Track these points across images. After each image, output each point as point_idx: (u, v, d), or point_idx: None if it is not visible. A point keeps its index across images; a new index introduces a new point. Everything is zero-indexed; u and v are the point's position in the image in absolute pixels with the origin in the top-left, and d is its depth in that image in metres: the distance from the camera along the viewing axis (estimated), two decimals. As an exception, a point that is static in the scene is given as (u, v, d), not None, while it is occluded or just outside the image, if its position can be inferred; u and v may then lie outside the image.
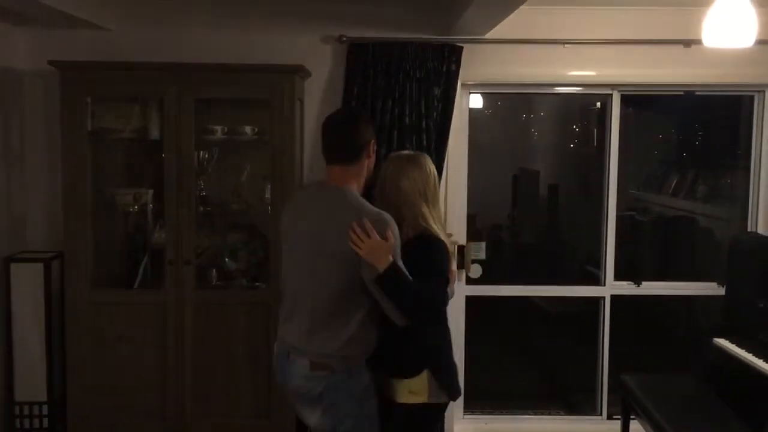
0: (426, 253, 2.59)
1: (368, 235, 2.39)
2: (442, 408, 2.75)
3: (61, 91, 3.67)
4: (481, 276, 4.42)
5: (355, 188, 2.57)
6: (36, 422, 3.84)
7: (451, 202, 4.24)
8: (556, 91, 4.46)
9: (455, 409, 4.44)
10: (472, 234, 4.53)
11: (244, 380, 3.77)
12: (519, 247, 6.26)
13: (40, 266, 3.78)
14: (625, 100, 4.37)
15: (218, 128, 3.87)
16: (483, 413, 4.56)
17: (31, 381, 3.83)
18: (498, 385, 4.99)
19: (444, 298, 2.62)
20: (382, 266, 2.40)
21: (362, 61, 3.99)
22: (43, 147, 4.00)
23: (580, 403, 4.76)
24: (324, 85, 4.13)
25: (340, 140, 2.57)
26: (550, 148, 6.69)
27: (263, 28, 4.03)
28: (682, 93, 4.49)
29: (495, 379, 4.96)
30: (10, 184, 3.97)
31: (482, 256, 4.43)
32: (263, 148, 3.81)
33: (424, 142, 3.99)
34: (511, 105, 6.15)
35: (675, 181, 5.78)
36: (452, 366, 2.77)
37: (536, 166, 6.57)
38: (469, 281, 4.42)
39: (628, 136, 4.78)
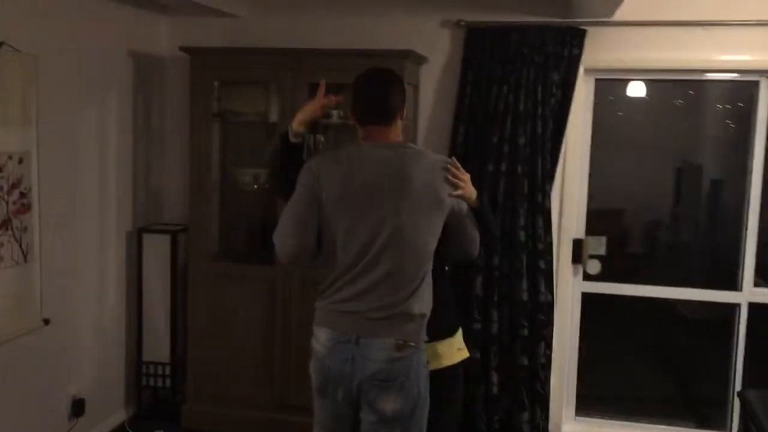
0: None
1: (463, 177, 2.52)
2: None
3: (190, 75, 3.92)
4: (602, 272, 4.21)
5: None
6: (159, 381, 4.17)
7: (568, 194, 4.06)
8: (691, 78, 4.11)
9: (566, 408, 4.27)
10: (620, 230, 4.32)
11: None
12: (678, 247, 5.86)
13: (167, 238, 4.08)
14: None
15: (334, 112, 3.96)
16: (597, 416, 4.34)
17: (156, 343, 4.16)
18: (616, 389, 4.72)
19: None
20: (475, 197, 2.59)
21: (479, 46, 3.91)
22: (180, 128, 4.28)
23: (712, 417, 4.40)
24: (441, 71, 4.09)
25: (377, 99, 2.48)
26: (714, 140, 6.16)
27: (384, 13, 4.06)
28: None
29: (614, 382, 4.69)
30: (149, 161, 4.32)
31: (602, 251, 4.21)
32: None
33: (539, 130, 3.84)
34: (673, 93, 5.72)
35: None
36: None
37: (699, 159, 6.08)
38: (587, 277, 4.22)
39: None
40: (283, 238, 2.48)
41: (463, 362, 2.78)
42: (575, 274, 4.20)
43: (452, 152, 3.97)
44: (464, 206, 2.55)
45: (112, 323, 4.04)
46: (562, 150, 3.95)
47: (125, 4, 3.93)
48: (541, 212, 3.86)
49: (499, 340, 3.90)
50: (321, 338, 2.47)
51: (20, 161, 3.21)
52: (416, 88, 4.06)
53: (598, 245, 4.21)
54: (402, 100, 2.52)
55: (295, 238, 2.46)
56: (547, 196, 3.88)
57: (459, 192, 2.50)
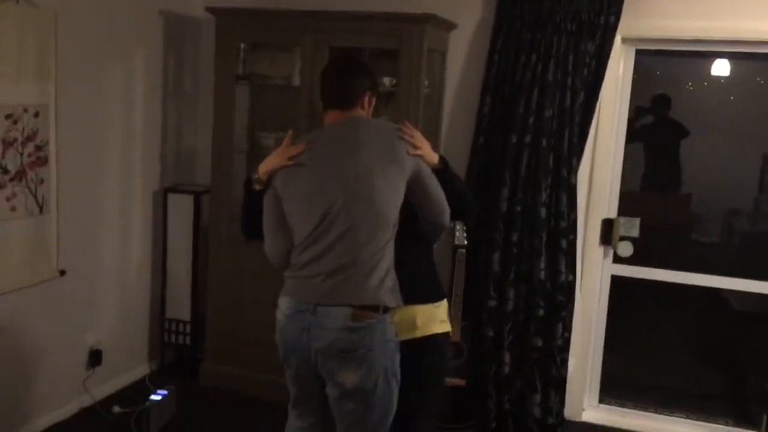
0: None
1: (419, 137, 2.47)
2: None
3: (216, 36, 3.91)
4: (634, 255, 3.99)
5: None
6: (180, 338, 4.25)
7: (599, 172, 3.85)
8: (746, 50, 3.80)
9: (588, 394, 4.11)
10: (685, 217, 4.09)
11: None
12: (756, 237, 5.54)
13: (190, 198, 4.13)
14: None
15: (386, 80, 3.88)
16: (621, 405, 4.15)
17: (179, 301, 4.23)
18: (646, 378, 4.50)
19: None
20: (435, 158, 2.53)
21: (511, 12, 3.73)
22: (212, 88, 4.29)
23: (752, 415, 4.13)
24: (470, 38, 3.94)
25: (336, 83, 2.52)
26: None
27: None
28: None
29: (645, 371, 4.47)
30: (181, 122, 4.37)
31: (635, 233, 4.00)
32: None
33: (567, 102, 3.65)
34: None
35: None
36: None
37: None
38: (617, 259, 4.01)
39: None
40: (267, 249, 2.56)
41: (446, 338, 2.65)
42: (605, 255, 4.01)
43: (478, 123, 3.84)
44: (426, 168, 2.48)
45: (136, 279, 4.14)
46: (594, 125, 3.74)
47: (158, -36, 3.97)
48: (565, 188, 3.68)
49: (514, 319, 3.76)
50: (282, 307, 2.45)
51: (36, 114, 3.28)
52: (443, 55, 3.93)
53: (631, 227, 3.99)
54: (365, 87, 2.52)
55: (274, 246, 2.52)
56: (573, 171, 3.69)
57: (418, 152, 2.45)
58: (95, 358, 3.84)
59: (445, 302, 2.71)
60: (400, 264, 2.44)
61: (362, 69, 2.59)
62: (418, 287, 2.57)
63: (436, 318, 2.63)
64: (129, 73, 3.92)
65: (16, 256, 3.28)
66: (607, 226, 3.95)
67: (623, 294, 4.14)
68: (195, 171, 4.48)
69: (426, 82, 3.81)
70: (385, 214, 2.36)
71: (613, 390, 4.20)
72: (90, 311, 3.82)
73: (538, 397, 3.74)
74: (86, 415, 3.77)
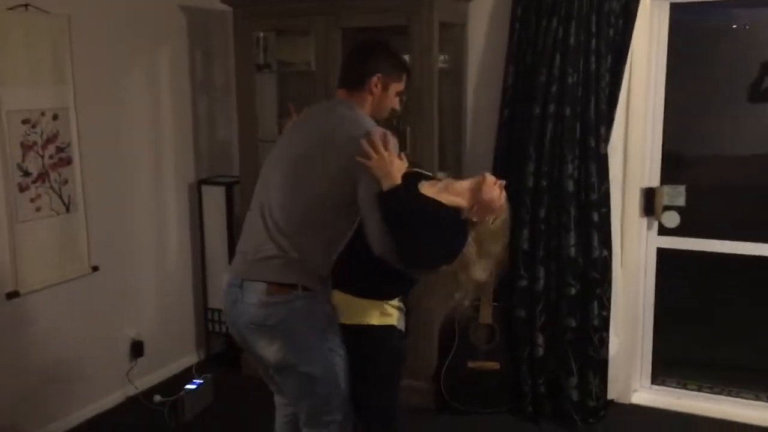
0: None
1: (378, 150, 2.22)
2: (404, 338, 2.57)
3: (233, 27, 3.92)
4: (681, 226, 3.73)
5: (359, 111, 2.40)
6: (223, 327, 4.32)
7: (633, 138, 3.60)
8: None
9: (639, 376, 3.89)
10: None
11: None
12: None
13: (221, 189, 4.17)
14: None
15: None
16: (675, 386, 3.90)
17: (218, 290, 4.28)
18: (702, 357, 4.19)
19: (443, 257, 2.31)
20: (389, 182, 2.20)
21: (529, -24, 3.53)
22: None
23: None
24: (491, 7, 3.77)
25: (347, 63, 2.50)
26: None
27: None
28: None
29: (701, 349, 4.17)
30: (214, 113, 4.42)
31: (681, 202, 3.72)
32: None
33: (592, 66, 3.42)
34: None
35: None
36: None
37: None
38: (662, 231, 3.75)
39: None
40: None
41: (386, 331, 2.48)
42: (649, 227, 3.76)
43: (503, 96, 3.66)
44: (368, 186, 2.23)
45: (175, 271, 4.23)
46: (625, 88, 3.49)
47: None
48: (594, 159, 3.46)
49: (546, 299, 3.59)
50: (223, 282, 2.48)
51: (55, 117, 3.39)
52: (463, 27, 3.77)
53: (677, 195, 3.72)
54: (375, 69, 2.39)
55: None
56: (602, 140, 3.46)
57: (365, 161, 2.22)
58: (137, 349, 3.96)
59: (396, 300, 2.52)
60: (356, 253, 2.35)
61: (376, 50, 2.46)
62: (360, 281, 2.44)
63: (374, 308, 2.47)
64: (153, 70, 3.98)
65: (46, 255, 3.41)
66: (649, 195, 3.70)
67: (676, 267, 3.88)
68: (232, 162, 4.52)
69: (443, 57, 3.68)
70: (316, 200, 2.30)
71: (672, 370, 3.94)
72: (128, 304, 3.93)
73: (574, 380, 3.56)
74: (130, 404, 3.90)
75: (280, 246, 2.31)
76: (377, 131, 2.27)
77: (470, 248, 2.35)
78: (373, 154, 2.22)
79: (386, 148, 2.22)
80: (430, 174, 2.63)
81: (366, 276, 2.40)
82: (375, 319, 2.46)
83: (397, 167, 2.23)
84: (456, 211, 2.31)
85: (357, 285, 2.44)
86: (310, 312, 2.34)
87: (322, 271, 2.37)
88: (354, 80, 2.42)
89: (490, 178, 2.34)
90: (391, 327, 2.49)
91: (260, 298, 2.31)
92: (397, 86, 2.45)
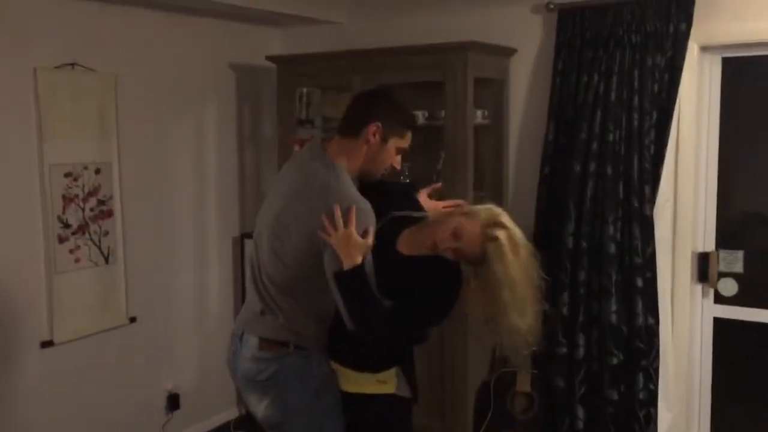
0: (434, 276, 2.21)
1: (343, 225, 2.08)
2: (409, 405, 2.40)
3: (277, 83, 3.98)
4: (738, 294, 3.45)
5: (345, 165, 2.22)
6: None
7: (682, 199, 3.39)
8: None
9: (694, 455, 3.57)
10: None
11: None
12: None
13: (263, 243, 4.18)
14: None
15: (419, 113, 3.75)
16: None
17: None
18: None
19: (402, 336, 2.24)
20: (348, 262, 2.07)
21: (571, 31, 3.44)
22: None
23: None
24: (533, 63, 3.68)
25: (348, 109, 2.32)
26: None
27: (473, 3, 3.74)
28: None
29: (759, 428, 3.79)
30: (260, 168, 4.46)
31: (738, 268, 3.46)
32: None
33: (635, 123, 3.26)
34: None
35: None
36: (414, 365, 2.44)
37: None
38: (719, 299, 3.48)
39: None
40: None
41: (386, 399, 2.33)
42: (705, 295, 3.50)
43: (544, 152, 3.54)
44: (329, 261, 2.11)
45: (217, 323, 4.23)
46: (671, 145, 3.30)
47: (229, 20, 4.11)
48: (638, 220, 3.27)
49: (587, 369, 3.37)
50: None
51: (97, 171, 3.50)
52: (503, 82, 3.69)
53: (734, 261, 3.46)
54: (374, 116, 2.20)
55: None
56: (647, 200, 3.27)
57: (325, 236, 2.09)
58: (173, 402, 3.97)
59: (393, 369, 2.34)
60: (341, 323, 2.23)
61: (381, 99, 2.30)
62: (348, 352, 2.31)
63: (370, 377, 2.32)
64: (200, 125, 4.07)
65: (83, 305, 3.48)
66: (703, 261, 3.45)
67: (739, 339, 3.58)
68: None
69: (481, 112, 3.61)
70: (290, 271, 2.22)
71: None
72: (165, 356, 3.96)
73: (617, 458, 3.30)
74: (164, 458, 3.89)
75: (270, 306, 2.27)
76: (341, 205, 2.10)
77: (505, 293, 2.14)
78: (332, 230, 2.08)
79: (347, 225, 2.07)
80: (423, 213, 2.43)
81: (353, 348, 2.28)
82: (371, 387, 2.32)
83: (356, 246, 2.06)
84: (434, 277, 2.19)
85: (345, 356, 2.33)
86: (302, 371, 2.26)
87: (315, 335, 2.29)
88: (351, 127, 2.24)
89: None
90: (391, 396, 2.35)
91: (253, 353, 2.28)
92: (399, 141, 2.25)
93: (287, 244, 2.21)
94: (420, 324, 2.26)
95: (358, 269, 2.08)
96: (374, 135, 2.21)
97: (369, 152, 2.23)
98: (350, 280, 2.08)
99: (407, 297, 2.14)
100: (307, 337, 2.27)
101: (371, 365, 2.31)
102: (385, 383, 2.32)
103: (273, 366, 2.25)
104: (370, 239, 2.10)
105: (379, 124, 2.21)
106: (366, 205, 2.15)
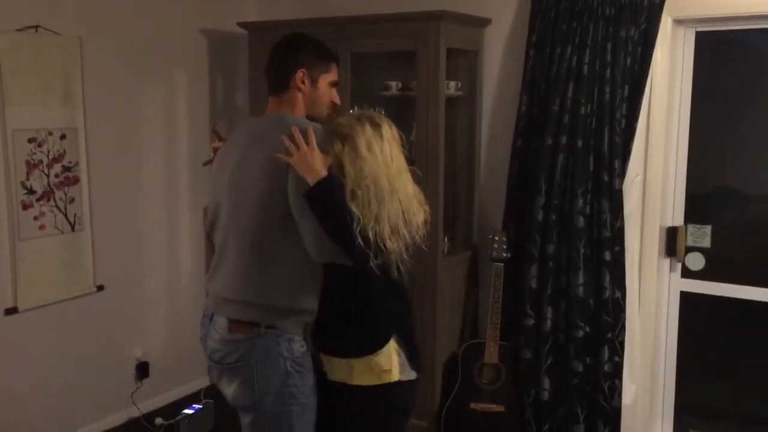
0: None
1: (299, 144, 2.06)
2: (414, 387, 2.31)
3: (249, 51, 3.92)
4: (706, 268, 3.48)
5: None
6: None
7: (652, 173, 3.39)
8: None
9: (661, 425, 3.62)
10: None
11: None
12: None
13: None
14: None
15: (393, 84, 3.72)
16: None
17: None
18: (728, 407, 3.87)
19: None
20: (314, 178, 2.04)
21: (546, 3, 3.40)
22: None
23: None
24: (507, 34, 3.64)
25: (269, 67, 2.32)
26: None
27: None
28: None
29: (739, 401, 3.83)
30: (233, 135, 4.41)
31: (706, 243, 3.48)
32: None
33: (607, 96, 3.24)
34: None
35: None
36: (414, 336, 2.34)
37: None
38: (686, 273, 3.50)
39: None
40: None
41: (390, 389, 2.22)
42: (672, 269, 3.52)
43: (516, 125, 3.52)
44: (295, 187, 2.08)
45: (185, 291, 4.20)
46: (642, 120, 3.29)
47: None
48: (607, 194, 3.27)
49: (553, 341, 3.39)
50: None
51: (63, 137, 3.44)
52: (476, 54, 3.65)
53: (701, 235, 3.48)
54: (297, 65, 2.25)
55: None
56: (616, 174, 3.27)
57: (286, 157, 2.07)
58: (143, 370, 3.95)
59: (388, 347, 2.22)
60: (327, 298, 2.23)
61: (295, 44, 2.30)
62: (340, 337, 2.25)
63: (370, 366, 2.21)
64: (170, 92, 4.01)
65: (49, 273, 3.45)
66: (672, 235, 3.46)
67: (707, 312, 3.61)
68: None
69: (455, 83, 3.57)
70: (258, 228, 2.16)
71: (697, 424, 3.65)
72: (134, 325, 3.93)
73: (581, 428, 3.33)
74: (133, 426, 3.88)
75: (241, 281, 2.21)
76: (300, 127, 2.10)
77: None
78: (294, 150, 2.06)
79: (307, 143, 2.06)
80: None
81: (340, 330, 2.23)
82: (372, 378, 2.21)
83: (319, 160, 2.05)
84: None
85: (336, 342, 2.26)
86: (273, 352, 2.19)
87: (288, 305, 2.20)
88: (279, 82, 2.26)
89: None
90: (396, 384, 2.22)
91: (222, 335, 2.23)
92: (327, 77, 2.28)
93: (249, 195, 2.16)
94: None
95: (326, 181, 2.05)
96: (303, 81, 2.25)
97: (305, 99, 2.27)
98: (320, 193, 2.05)
99: None
100: (281, 315, 2.19)
101: (367, 343, 2.21)
102: (388, 371, 2.20)
103: (242, 348, 2.19)
104: (329, 157, 2.09)
105: (304, 70, 2.24)
106: (317, 125, 2.18)
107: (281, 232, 2.14)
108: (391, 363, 2.21)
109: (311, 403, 2.25)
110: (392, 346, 2.23)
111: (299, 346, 2.23)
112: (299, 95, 2.26)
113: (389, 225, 2.09)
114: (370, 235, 2.06)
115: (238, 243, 2.21)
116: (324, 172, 2.05)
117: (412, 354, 2.28)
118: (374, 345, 2.20)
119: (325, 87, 2.30)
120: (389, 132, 2.18)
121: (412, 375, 2.27)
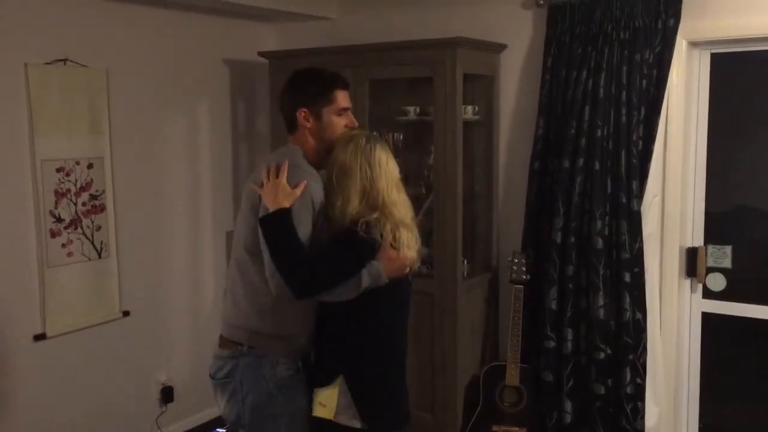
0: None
1: (271, 177, 2.18)
2: None
3: (269, 79, 4.00)
4: (727, 289, 3.47)
5: (302, 152, 2.32)
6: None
7: (671, 194, 3.40)
8: None
9: (682, 449, 3.59)
10: None
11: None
12: None
13: (256, 238, 4.20)
14: None
15: (411, 109, 3.77)
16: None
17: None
18: (751, 430, 3.83)
19: (330, 277, 2.14)
20: (272, 207, 2.13)
21: (561, 27, 3.45)
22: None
23: None
24: (523, 59, 3.69)
25: (279, 108, 2.44)
26: None
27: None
28: None
29: (748, 422, 3.80)
30: (254, 161, 4.47)
31: (726, 263, 3.47)
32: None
33: (623, 119, 3.27)
34: None
35: None
36: (379, 387, 2.30)
37: None
38: (707, 294, 3.50)
39: None
40: None
41: (333, 428, 2.24)
42: (693, 290, 3.51)
43: (533, 148, 3.55)
44: (261, 211, 2.19)
45: (211, 318, 4.25)
46: (659, 141, 3.31)
47: (223, 17, 4.13)
48: (625, 215, 3.28)
49: (575, 363, 3.39)
50: None
51: (90, 166, 3.52)
52: (493, 79, 3.70)
53: (721, 256, 3.47)
54: (296, 105, 2.31)
55: None
56: (634, 196, 3.28)
57: (258, 188, 2.20)
58: (167, 395, 4.00)
59: (334, 385, 2.24)
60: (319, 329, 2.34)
61: (288, 88, 2.38)
62: (316, 368, 2.34)
63: (316, 398, 2.28)
64: (194, 120, 4.10)
65: (76, 299, 3.51)
66: (692, 255, 3.46)
67: (729, 333, 3.59)
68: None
69: (472, 108, 3.62)
70: (245, 257, 2.27)
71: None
72: (159, 350, 3.99)
73: (604, 451, 3.32)
74: (157, 450, 3.92)
75: (234, 302, 2.34)
76: (280, 163, 2.19)
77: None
78: (266, 182, 2.17)
79: (277, 176, 2.16)
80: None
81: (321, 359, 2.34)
82: (315, 408, 2.28)
83: (283, 192, 2.13)
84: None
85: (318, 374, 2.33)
86: (255, 372, 2.27)
87: (271, 331, 2.25)
88: (287, 124, 2.36)
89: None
90: (330, 423, 2.24)
91: (216, 351, 2.36)
92: (332, 108, 2.32)
93: (240, 224, 2.31)
94: (338, 266, 2.16)
95: (283, 212, 2.12)
96: (306, 120, 2.30)
97: (313, 134, 2.31)
98: (274, 221, 2.12)
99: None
100: (266, 337, 2.26)
101: (320, 376, 2.27)
102: (324, 407, 2.22)
103: (230, 364, 2.31)
104: (299, 191, 2.14)
105: (305, 110, 2.29)
106: (309, 169, 2.24)
107: (261, 263, 2.20)
108: (328, 400, 2.23)
109: (297, 427, 2.28)
110: (339, 386, 2.23)
111: (284, 369, 2.27)
112: (306, 132, 2.32)
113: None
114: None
115: (232, 269, 2.34)
116: (286, 204, 2.12)
117: (367, 404, 2.24)
118: (321, 380, 2.27)
119: (332, 118, 2.32)
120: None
121: (353, 423, 2.23)
